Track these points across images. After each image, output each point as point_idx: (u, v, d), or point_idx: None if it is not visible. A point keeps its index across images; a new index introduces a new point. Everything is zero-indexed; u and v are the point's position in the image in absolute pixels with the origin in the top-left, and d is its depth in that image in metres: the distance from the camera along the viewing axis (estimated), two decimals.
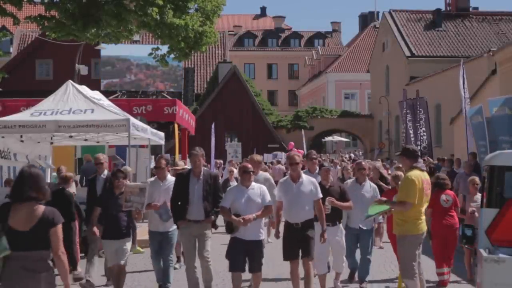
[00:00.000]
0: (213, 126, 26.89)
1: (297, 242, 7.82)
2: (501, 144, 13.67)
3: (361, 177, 9.30)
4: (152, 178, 9.24)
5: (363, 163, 9.69)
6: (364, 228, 9.06)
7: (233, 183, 14.23)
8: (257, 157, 9.60)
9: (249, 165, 8.00)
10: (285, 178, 8.27)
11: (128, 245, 8.47)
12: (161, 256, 8.75)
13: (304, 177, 8.00)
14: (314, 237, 7.88)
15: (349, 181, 9.83)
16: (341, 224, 8.79)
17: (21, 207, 4.86)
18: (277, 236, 8.21)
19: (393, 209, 7.69)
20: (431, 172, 14.08)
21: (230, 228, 7.82)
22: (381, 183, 12.73)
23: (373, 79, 46.31)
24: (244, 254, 7.74)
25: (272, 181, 9.49)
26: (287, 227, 7.95)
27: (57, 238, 4.82)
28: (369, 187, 9.28)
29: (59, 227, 4.85)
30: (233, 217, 7.67)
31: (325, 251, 8.53)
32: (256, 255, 7.80)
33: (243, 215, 7.59)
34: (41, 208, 4.89)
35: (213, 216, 8.34)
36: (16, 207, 4.87)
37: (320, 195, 7.94)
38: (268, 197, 7.90)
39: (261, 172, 10.16)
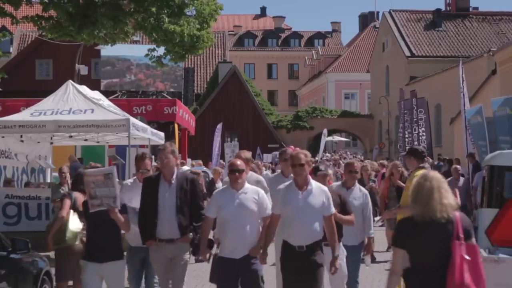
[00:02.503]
0: (218, 126, 26.77)
1: (299, 271, 5.98)
2: (500, 144, 13.67)
3: (351, 181, 7.54)
4: (131, 180, 7.46)
5: (355, 164, 7.91)
6: (350, 244, 7.11)
7: (219, 186, 12.78)
8: (245, 153, 7.61)
9: (238, 162, 6.22)
10: (288, 183, 6.23)
11: (123, 270, 6.43)
12: (142, 278, 7.00)
13: (314, 184, 6.10)
14: (323, 265, 6.09)
15: (334, 184, 7.95)
16: (341, 243, 6.76)
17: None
18: (263, 260, 6.09)
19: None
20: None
21: (196, 250, 6.33)
22: (403, 184, 10.38)
23: (373, 79, 46.29)
24: (236, 276, 6.06)
25: (265, 183, 7.48)
26: (286, 251, 6.10)
27: None
28: (359, 193, 7.48)
29: None
30: (204, 244, 6.15)
31: (340, 284, 6.76)
32: (249, 278, 6.07)
33: (233, 225, 6.00)
34: None
35: (191, 233, 6.39)
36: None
37: (333, 210, 6.14)
38: (268, 206, 6.17)
39: (250, 173, 7.88)
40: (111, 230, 6.14)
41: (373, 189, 11.08)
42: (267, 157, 29.85)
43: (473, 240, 4.21)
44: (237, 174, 6.08)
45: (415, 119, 24.32)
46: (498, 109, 14.15)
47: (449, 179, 14.17)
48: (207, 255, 6.25)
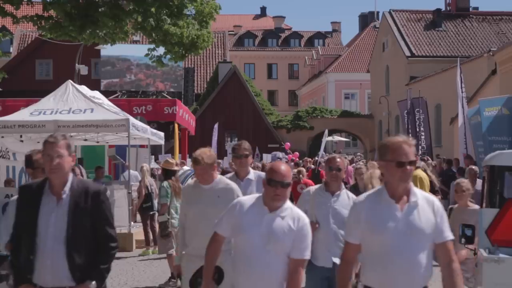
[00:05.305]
0: (216, 126, 26.78)
1: None
2: (492, 144, 13.59)
3: (334, 183, 5.66)
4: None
5: (337, 158, 5.74)
6: (328, 266, 5.45)
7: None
8: (247, 145, 6.02)
9: (283, 168, 4.01)
10: (370, 193, 3.90)
11: None
12: None
13: (418, 193, 3.77)
14: None
15: (312, 188, 5.98)
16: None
17: None
18: None
19: None
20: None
21: (195, 281, 4.66)
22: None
23: (373, 79, 46.30)
24: None
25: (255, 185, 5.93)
26: None
27: None
28: (347, 200, 5.59)
29: None
30: (209, 275, 4.22)
31: None
32: None
33: (257, 261, 3.93)
34: None
35: (93, 282, 3.88)
36: None
37: (451, 234, 3.78)
38: (308, 244, 4.02)
39: (256, 172, 6.42)
40: None
41: None
42: (267, 157, 29.81)
43: None
44: (280, 187, 3.95)
45: (417, 118, 24.35)
46: (489, 109, 14.11)
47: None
48: None
